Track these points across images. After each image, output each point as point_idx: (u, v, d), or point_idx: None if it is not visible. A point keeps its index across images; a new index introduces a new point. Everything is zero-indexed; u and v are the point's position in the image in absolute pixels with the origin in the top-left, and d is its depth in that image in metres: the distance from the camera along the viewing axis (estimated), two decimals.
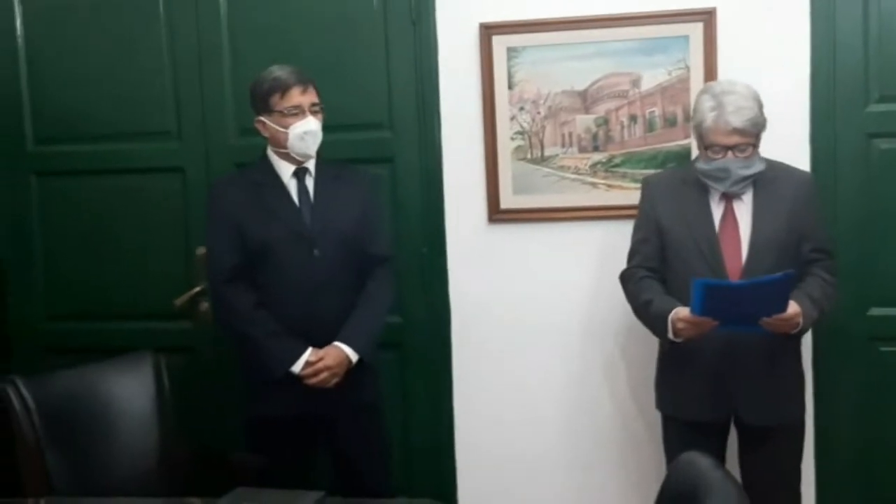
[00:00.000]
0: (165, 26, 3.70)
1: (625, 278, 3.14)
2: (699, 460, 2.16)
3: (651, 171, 3.37)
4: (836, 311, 3.30)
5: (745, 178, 2.91)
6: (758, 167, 2.91)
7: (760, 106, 2.90)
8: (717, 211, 2.98)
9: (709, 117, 2.87)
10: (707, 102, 2.89)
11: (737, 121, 2.83)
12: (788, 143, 3.32)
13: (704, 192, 2.99)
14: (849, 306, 3.38)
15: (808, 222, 3.00)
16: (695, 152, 3.37)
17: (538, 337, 3.61)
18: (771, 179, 2.96)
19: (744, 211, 2.96)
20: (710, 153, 2.90)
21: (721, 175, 2.90)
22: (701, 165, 2.95)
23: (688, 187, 3.02)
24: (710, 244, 2.94)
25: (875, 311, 3.41)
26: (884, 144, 3.36)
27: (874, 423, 3.45)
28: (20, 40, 3.80)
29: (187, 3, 3.67)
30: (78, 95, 3.78)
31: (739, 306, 2.74)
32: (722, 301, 2.72)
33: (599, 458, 3.64)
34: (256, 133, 3.19)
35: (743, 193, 2.95)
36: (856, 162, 3.36)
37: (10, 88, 3.81)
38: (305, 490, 2.58)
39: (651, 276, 3.05)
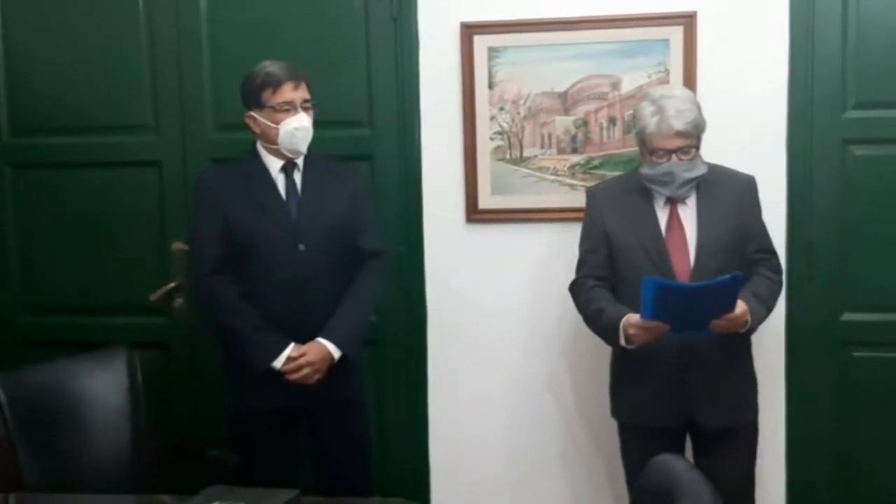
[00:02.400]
0: (145, 19, 3.68)
1: (574, 288, 3.16)
2: (673, 462, 2.17)
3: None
4: (809, 317, 3.35)
5: (689, 181, 2.95)
6: (701, 170, 2.96)
7: (699, 108, 2.95)
8: (662, 216, 3.01)
9: (651, 122, 2.91)
10: (648, 108, 2.94)
11: (679, 124, 2.88)
12: (765, 147, 3.36)
13: (649, 197, 3.02)
14: (822, 311, 3.41)
15: (752, 223, 3.05)
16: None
17: (514, 337, 3.62)
18: (713, 183, 3.00)
19: (688, 215, 3.00)
20: (654, 158, 2.94)
21: (666, 179, 2.94)
22: (646, 171, 2.99)
23: (632, 195, 3.05)
24: (657, 249, 2.97)
25: (848, 317, 3.43)
26: (860, 151, 3.38)
27: (847, 427, 3.47)
28: None
29: None
30: (55, 87, 3.75)
31: (689, 308, 2.76)
32: (672, 302, 2.74)
33: (575, 457, 3.65)
34: (236, 129, 3.17)
35: (687, 197, 3.00)
36: (832, 168, 3.38)
37: None
38: (281, 488, 2.57)
39: (600, 284, 3.08)
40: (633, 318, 2.87)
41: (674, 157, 2.91)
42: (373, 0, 3.55)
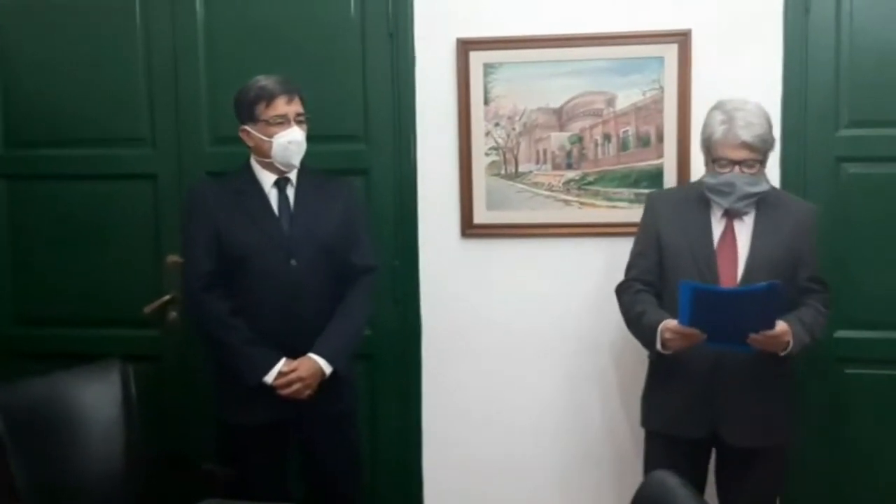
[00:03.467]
0: (141, 33, 3.68)
1: (620, 290, 3.15)
2: (668, 479, 2.18)
3: (624, 190, 3.43)
4: None
5: (749, 196, 2.92)
6: (763, 186, 2.94)
7: (770, 125, 2.93)
8: (717, 228, 2.99)
9: (718, 130, 2.89)
10: (718, 116, 2.92)
11: (746, 135, 2.86)
12: None
13: (707, 208, 3.00)
14: None
15: (806, 251, 3.01)
16: (667, 174, 3.43)
17: (507, 351, 3.63)
18: (774, 205, 2.98)
19: (744, 231, 2.97)
20: (716, 167, 2.92)
21: (726, 189, 2.91)
22: (707, 180, 2.97)
23: (690, 203, 3.03)
24: (707, 260, 2.95)
25: (841, 334, 3.44)
26: (853, 168, 3.40)
27: (840, 444, 3.48)
28: None
29: (163, 9, 3.65)
30: (50, 99, 3.75)
31: (727, 316, 2.74)
32: (709, 308, 2.73)
33: (567, 468, 3.65)
34: (232, 142, 3.18)
35: (745, 213, 2.97)
36: (825, 185, 3.40)
37: None
38: (275, 501, 2.57)
39: (646, 289, 3.06)
40: (671, 322, 2.86)
41: (737, 168, 2.89)
42: (369, 15, 3.56)
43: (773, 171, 3.38)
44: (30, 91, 3.77)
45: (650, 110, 3.44)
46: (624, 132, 3.48)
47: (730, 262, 2.95)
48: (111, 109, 3.72)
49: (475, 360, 3.65)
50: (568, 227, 3.52)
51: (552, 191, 3.54)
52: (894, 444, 3.47)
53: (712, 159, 2.94)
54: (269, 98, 3.04)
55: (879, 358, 3.46)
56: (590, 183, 3.51)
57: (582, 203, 3.51)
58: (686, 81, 3.40)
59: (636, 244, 3.14)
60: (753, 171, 2.91)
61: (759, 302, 2.73)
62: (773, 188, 3.02)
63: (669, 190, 3.31)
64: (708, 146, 2.96)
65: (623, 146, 3.48)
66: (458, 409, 3.67)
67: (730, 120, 2.88)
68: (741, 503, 3.03)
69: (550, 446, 3.65)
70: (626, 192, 3.47)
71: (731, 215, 2.98)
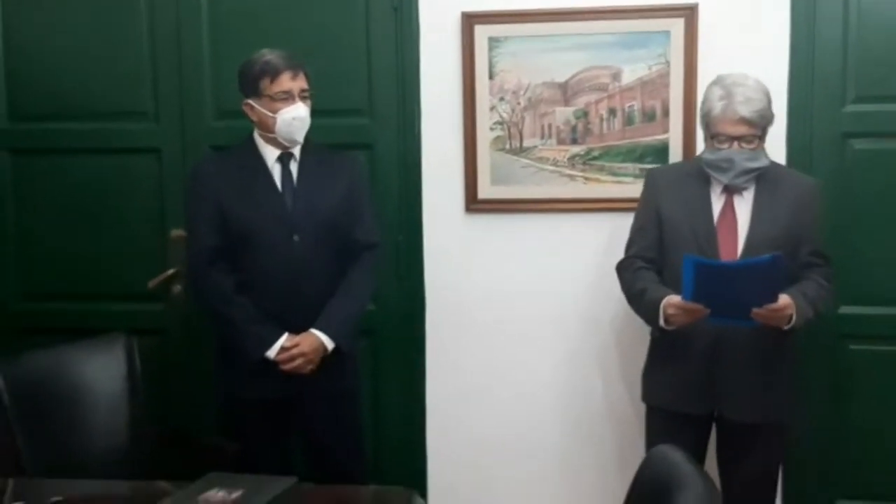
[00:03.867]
0: (145, 5, 3.67)
1: (621, 267, 3.14)
2: (671, 453, 2.17)
3: (629, 165, 3.41)
4: None
5: (748, 171, 2.91)
6: (763, 162, 2.93)
7: (770, 100, 2.92)
8: (717, 204, 2.98)
9: (717, 106, 2.88)
10: (717, 91, 2.91)
11: (745, 110, 2.85)
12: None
13: (706, 184, 2.99)
14: None
15: (807, 226, 3.01)
16: (672, 149, 3.41)
17: (511, 327, 3.63)
18: (774, 180, 2.97)
19: (744, 206, 2.97)
20: (715, 143, 2.91)
21: (725, 165, 2.91)
22: (706, 155, 2.96)
23: (690, 179, 3.03)
24: (707, 235, 2.95)
25: (846, 310, 3.44)
26: (859, 144, 3.39)
27: (844, 420, 3.49)
28: None
29: None
30: (54, 73, 3.74)
31: (729, 290, 2.73)
32: (712, 283, 2.72)
33: (572, 447, 3.66)
34: (235, 116, 3.17)
35: (745, 189, 2.96)
36: (831, 161, 3.39)
37: None
38: (279, 475, 2.58)
39: (647, 266, 3.05)
40: (674, 298, 2.85)
41: (736, 144, 2.88)
42: None
43: (779, 147, 3.37)
44: (33, 65, 3.75)
45: (656, 85, 3.42)
46: (629, 107, 3.47)
47: (730, 237, 2.94)
48: (115, 83, 3.71)
49: (479, 335, 3.65)
50: (573, 202, 3.51)
51: (557, 166, 3.53)
52: None
53: (711, 135, 2.94)
54: (274, 73, 3.02)
55: (884, 334, 3.46)
56: (595, 158, 3.50)
57: (587, 178, 3.50)
58: (692, 56, 3.38)
59: (636, 220, 3.14)
60: (752, 146, 2.90)
61: (762, 275, 2.72)
62: (774, 163, 3.01)
63: (669, 166, 3.30)
64: (707, 122, 2.95)
65: (628, 121, 3.47)
66: (461, 384, 3.68)
67: (728, 95, 2.87)
68: (742, 479, 3.04)
69: (553, 422, 3.65)
70: (632, 167, 3.46)
71: (730, 191, 2.97)
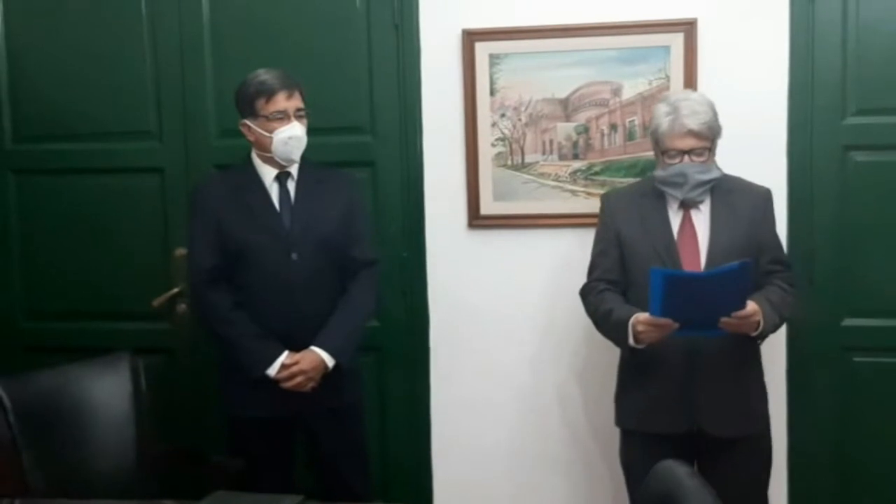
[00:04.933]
0: (147, 26, 3.70)
1: (585, 292, 3.15)
2: (676, 468, 2.17)
3: (631, 180, 3.40)
4: (810, 322, 3.35)
5: (702, 184, 2.93)
6: (715, 173, 2.95)
7: (715, 113, 2.94)
8: (675, 220, 3.00)
9: (664, 122, 2.91)
10: (663, 109, 2.94)
11: (692, 123, 2.87)
12: (765, 154, 3.36)
13: (662, 201, 3.01)
14: (823, 317, 3.42)
15: (766, 235, 3.03)
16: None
17: (516, 341, 3.63)
18: (728, 191, 2.99)
19: (701, 220, 2.98)
20: (666, 159, 2.94)
21: (678, 180, 2.92)
22: (658, 173, 2.98)
23: (646, 199, 3.04)
24: (668, 252, 2.96)
25: (849, 322, 3.44)
26: (860, 157, 3.40)
27: (848, 433, 3.48)
28: (0, 37, 3.79)
29: (170, 2, 3.66)
30: (58, 93, 3.77)
31: (698, 301, 2.74)
32: (680, 294, 2.72)
33: (577, 464, 3.66)
34: (238, 135, 3.18)
35: (700, 202, 2.98)
36: (832, 174, 3.40)
37: None
38: (284, 494, 2.59)
39: (611, 288, 3.06)
40: (641, 315, 2.86)
41: (686, 158, 2.90)
42: (375, 7, 3.56)
43: (779, 160, 3.40)
44: (38, 86, 3.78)
45: (656, 100, 3.41)
46: (630, 122, 3.48)
47: (691, 252, 2.96)
48: (118, 104, 3.73)
49: (482, 349, 3.65)
50: (575, 217, 3.52)
51: (559, 181, 3.54)
52: None
53: (661, 151, 2.96)
54: (269, 94, 3.04)
55: (887, 346, 3.45)
56: (596, 173, 3.51)
57: (589, 193, 3.51)
58: (692, 71, 3.39)
59: (596, 245, 3.14)
60: (703, 159, 2.92)
61: (731, 282, 2.73)
62: (726, 175, 3.01)
63: (623, 188, 3.28)
64: (656, 138, 2.97)
65: (629, 136, 3.48)
66: (465, 398, 3.68)
67: (675, 111, 2.90)
68: (732, 493, 2.98)
69: (559, 435, 3.65)
70: (633, 181, 3.47)
71: (687, 206, 2.98)
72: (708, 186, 2.95)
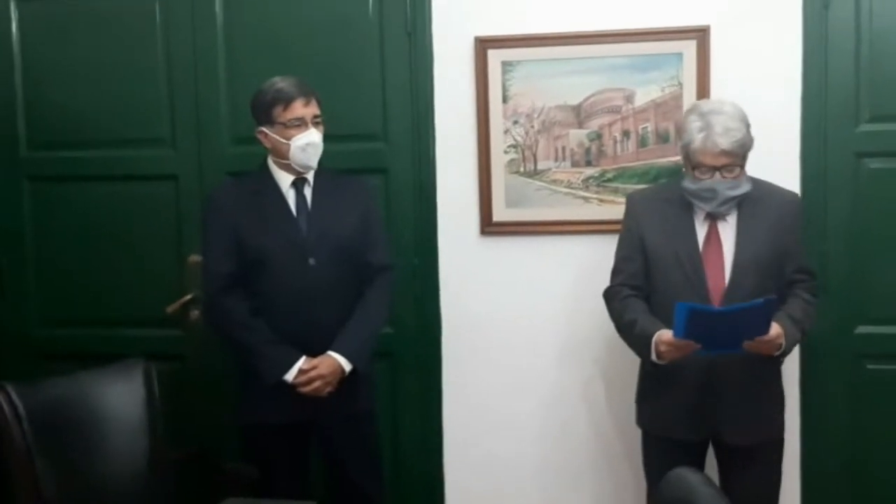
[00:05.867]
0: (161, 34, 3.72)
1: (609, 296, 3.14)
2: (689, 476, 2.17)
3: (643, 187, 3.39)
4: (823, 330, 3.33)
5: (731, 199, 2.91)
6: (744, 188, 2.93)
7: (748, 126, 2.91)
8: (701, 230, 2.98)
9: (697, 139, 2.86)
10: (695, 123, 2.89)
11: (725, 142, 2.84)
12: (779, 161, 3.35)
13: (689, 210, 2.99)
14: (836, 324, 3.41)
15: (792, 243, 3.01)
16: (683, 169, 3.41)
17: (528, 348, 3.63)
18: (756, 200, 2.97)
19: (728, 231, 2.97)
20: (697, 173, 2.91)
21: (708, 195, 2.90)
22: (688, 185, 2.95)
23: (672, 205, 3.02)
24: (693, 263, 2.95)
25: (862, 329, 3.44)
26: (873, 164, 3.39)
27: (862, 440, 3.47)
28: (16, 45, 3.81)
29: (183, 11, 3.68)
30: (72, 101, 3.79)
31: (722, 330, 2.75)
32: (705, 325, 2.73)
33: (587, 467, 3.65)
34: (252, 142, 3.20)
35: (728, 214, 2.96)
36: (845, 181, 3.39)
37: (4, 93, 3.82)
38: (298, 499, 2.59)
39: (635, 294, 3.05)
40: (665, 334, 2.85)
41: (717, 174, 2.88)
42: (388, 15, 3.57)
43: (793, 167, 3.39)
44: (52, 94, 3.80)
45: (669, 106, 3.44)
46: (643, 128, 3.48)
47: (716, 264, 2.95)
48: (132, 111, 3.75)
49: (494, 356, 3.65)
50: (587, 223, 3.52)
51: (571, 188, 3.54)
52: None
53: (692, 166, 2.92)
54: (287, 101, 3.06)
55: None
56: (609, 180, 3.52)
57: (601, 200, 3.52)
58: (705, 78, 3.39)
59: (620, 248, 3.13)
60: (733, 175, 2.89)
61: (756, 316, 2.74)
62: (754, 181, 2.99)
63: (650, 189, 3.27)
64: (687, 153, 2.93)
65: (642, 142, 3.48)
66: (477, 405, 3.68)
67: (707, 127, 2.85)
68: (747, 499, 3.00)
69: (572, 442, 3.65)
70: (642, 188, 3.47)
71: (713, 217, 2.97)
72: (736, 200, 2.94)
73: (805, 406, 3.47)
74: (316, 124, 3.11)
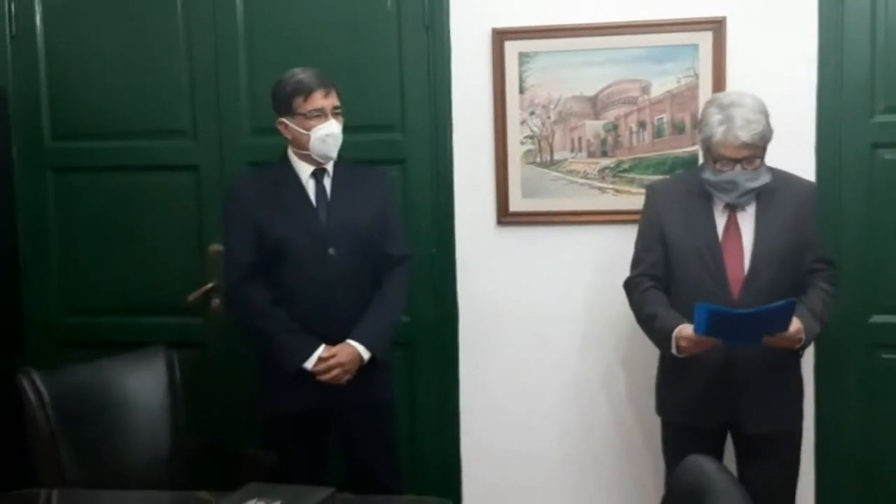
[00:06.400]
0: (182, 25, 3.75)
1: (629, 287, 3.16)
2: (705, 464, 2.18)
3: (658, 177, 3.42)
4: (837, 319, 3.32)
5: (751, 190, 2.92)
6: (764, 179, 2.93)
7: (768, 118, 2.91)
8: (720, 220, 2.99)
9: (718, 131, 2.86)
10: (715, 116, 2.89)
11: (746, 135, 2.84)
12: (794, 151, 3.34)
13: (708, 200, 3.00)
14: (851, 314, 3.42)
15: (810, 232, 3.02)
16: (702, 160, 3.42)
17: (544, 338, 3.65)
18: (774, 189, 2.97)
19: (747, 221, 2.98)
20: (718, 166, 2.91)
21: (728, 187, 2.91)
22: (708, 176, 2.96)
23: (692, 196, 3.03)
24: (712, 254, 2.96)
25: (877, 319, 3.45)
26: (888, 154, 3.40)
27: (876, 430, 3.49)
28: (39, 37, 3.85)
29: (205, 3, 3.72)
30: (95, 92, 3.83)
31: (742, 328, 2.77)
32: (725, 325, 2.75)
33: (605, 458, 3.68)
34: (272, 133, 3.23)
35: (747, 205, 2.97)
36: (860, 171, 3.40)
37: (28, 85, 3.86)
38: (317, 486, 2.62)
39: (655, 285, 3.07)
40: (685, 329, 2.87)
41: (738, 166, 2.89)
42: (406, 7, 3.60)
43: (808, 158, 3.40)
44: (76, 86, 3.84)
45: (685, 97, 3.45)
46: (659, 119, 3.50)
47: (735, 254, 2.96)
48: (154, 102, 3.79)
49: (511, 345, 3.68)
50: (603, 214, 3.54)
51: (587, 178, 3.56)
52: None
53: (712, 158, 2.93)
54: (307, 92, 3.09)
55: None
56: (625, 170, 3.54)
57: (617, 190, 3.54)
58: (721, 69, 3.41)
59: (640, 238, 3.14)
60: (753, 166, 2.90)
61: (776, 316, 2.76)
62: (773, 171, 2.99)
63: (669, 179, 3.27)
64: (708, 146, 2.93)
65: (658, 133, 3.50)
66: (494, 394, 3.70)
67: (728, 119, 2.85)
68: (764, 487, 3.01)
69: (588, 431, 3.67)
70: (662, 179, 3.48)
71: (733, 207, 2.98)
72: (756, 191, 2.95)
73: (819, 395, 3.48)
74: (335, 115, 3.14)
